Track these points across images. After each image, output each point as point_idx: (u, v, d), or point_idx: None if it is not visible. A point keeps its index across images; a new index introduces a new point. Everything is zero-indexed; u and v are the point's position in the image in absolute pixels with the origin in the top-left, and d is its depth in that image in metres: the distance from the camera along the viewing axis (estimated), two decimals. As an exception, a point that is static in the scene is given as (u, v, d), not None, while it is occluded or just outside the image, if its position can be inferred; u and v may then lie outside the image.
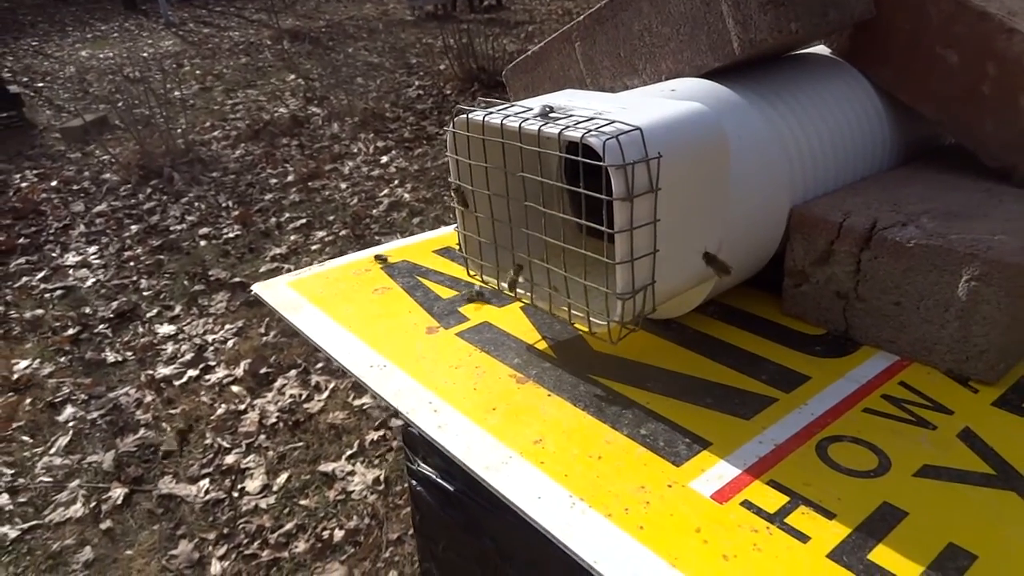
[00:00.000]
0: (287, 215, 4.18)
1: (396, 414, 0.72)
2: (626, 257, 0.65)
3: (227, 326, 3.08)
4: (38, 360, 2.93)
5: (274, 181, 4.71)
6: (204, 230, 4.05)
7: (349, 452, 2.27)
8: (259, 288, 1.00)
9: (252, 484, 2.17)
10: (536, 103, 0.74)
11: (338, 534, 1.95)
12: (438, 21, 9.06)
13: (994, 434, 0.66)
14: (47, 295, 3.46)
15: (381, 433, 2.35)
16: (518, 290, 0.79)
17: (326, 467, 2.21)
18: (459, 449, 0.66)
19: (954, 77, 0.84)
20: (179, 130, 5.41)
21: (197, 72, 7.65)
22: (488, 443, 0.67)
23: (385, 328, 0.88)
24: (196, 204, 4.41)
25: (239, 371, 2.73)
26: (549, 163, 0.77)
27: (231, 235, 3.98)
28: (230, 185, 4.69)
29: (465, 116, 0.76)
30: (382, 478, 2.16)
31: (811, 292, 0.83)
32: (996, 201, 0.80)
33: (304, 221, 4.08)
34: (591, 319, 0.71)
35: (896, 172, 0.92)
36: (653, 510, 0.59)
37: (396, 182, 4.50)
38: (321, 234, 3.91)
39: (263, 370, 2.71)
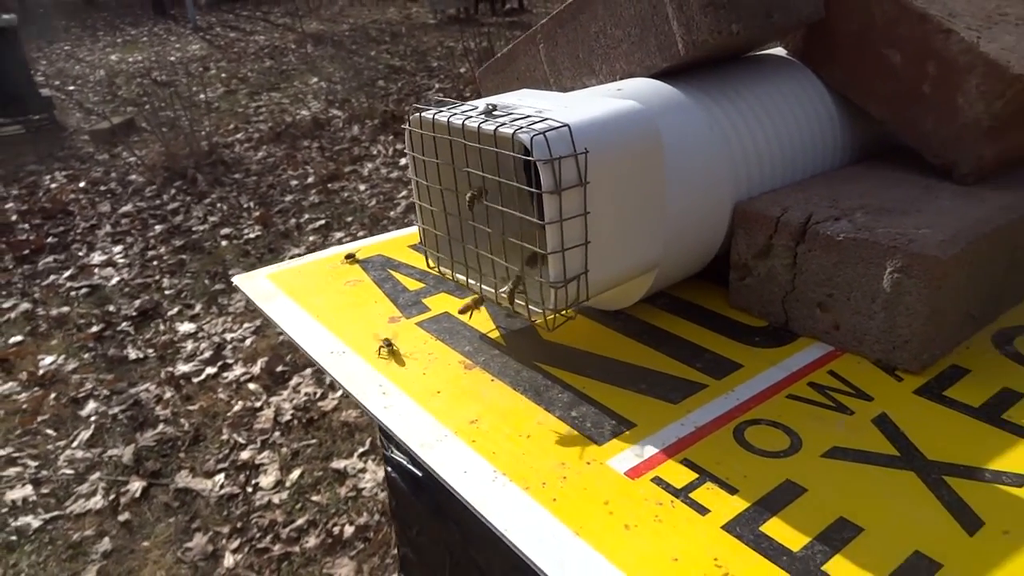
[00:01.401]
0: (306, 216, 4.27)
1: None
2: (557, 248, 0.69)
3: (245, 325, 3.16)
4: (63, 356, 3.03)
5: (294, 183, 4.80)
6: (225, 230, 4.15)
7: (361, 450, 2.33)
8: (239, 279, 1.05)
9: (266, 480, 2.24)
10: (483, 102, 0.78)
11: (348, 530, 2.01)
12: (459, 24, 9.15)
13: (908, 420, 0.68)
14: (73, 293, 3.57)
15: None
16: (470, 280, 0.83)
17: (338, 464, 2.27)
18: (399, 428, 0.71)
19: (898, 76, 0.87)
20: (203, 132, 5.54)
21: (222, 75, 7.82)
22: (427, 423, 0.72)
23: (350, 317, 0.93)
24: (218, 205, 4.52)
25: (256, 369, 2.80)
26: (506, 160, 0.81)
27: (251, 235, 4.07)
28: (251, 186, 4.79)
29: (419, 114, 0.80)
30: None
31: (754, 285, 0.86)
32: (932, 197, 0.83)
33: (323, 222, 4.16)
34: (530, 307, 0.75)
35: (845, 170, 0.94)
36: (568, 484, 0.62)
37: (410, 181, 4.58)
38: (339, 235, 3.99)
39: (279, 368, 2.78)
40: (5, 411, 2.67)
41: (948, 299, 0.73)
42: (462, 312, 0.86)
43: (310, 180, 4.78)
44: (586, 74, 0.95)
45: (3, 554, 2.02)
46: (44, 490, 2.25)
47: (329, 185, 4.69)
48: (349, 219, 4.18)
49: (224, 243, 4.00)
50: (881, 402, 0.71)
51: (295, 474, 2.23)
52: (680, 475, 0.63)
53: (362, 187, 4.62)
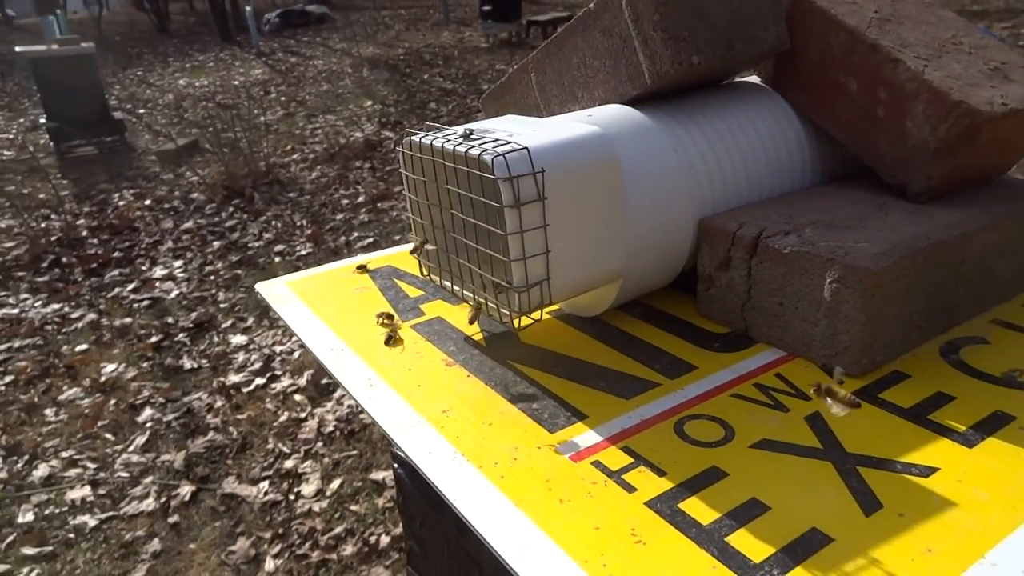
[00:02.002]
0: (356, 234, 4.42)
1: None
2: (518, 256, 0.77)
3: (294, 338, 3.28)
4: (123, 364, 3.19)
5: (346, 202, 4.97)
6: (279, 247, 4.33)
7: None
8: (260, 286, 1.17)
9: (307, 488, 2.32)
10: (464, 127, 0.87)
11: (384, 540, 2.08)
12: (510, 48, 9.34)
13: (839, 418, 0.74)
14: (135, 305, 3.77)
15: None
16: (454, 287, 0.92)
17: (377, 475, 2.35)
18: (379, 414, 0.80)
19: (854, 102, 0.93)
20: (262, 153, 5.79)
21: (282, 98, 8.15)
22: (405, 411, 0.81)
23: (353, 320, 1.03)
24: (273, 223, 4.71)
25: (302, 381, 2.91)
26: (485, 178, 0.90)
27: (303, 252, 4.24)
28: (305, 205, 4.98)
29: (410, 138, 0.90)
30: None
31: (717, 295, 0.93)
32: (883, 214, 0.88)
33: (371, 240, 4.30)
34: (500, 311, 0.84)
35: (812, 189, 1.00)
36: (518, 465, 0.70)
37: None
38: (386, 253, 4.11)
39: (324, 381, 2.88)
40: (69, 415, 2.84)
41: (884, 308, 0.79)
42: (470, 323, 0.94)
43: (360, 199, 4.95)
44: (570, 100, 1.04)
45: (62, 550, 2.15)
46: (101, 491, 2.39)
47: (379, 204, 4.84)
48: (397, 237, 4.31)
49: (277, 259, 4.17)
50: (817, 402, 0.77)
51: (335, 483, 2.32)
52: (617, 459, 0.70)
53: (409, 206, 4.76)
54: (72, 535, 2.20)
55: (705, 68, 0.90)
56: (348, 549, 2.06)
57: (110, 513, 2.28)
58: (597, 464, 0.70)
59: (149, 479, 2.42)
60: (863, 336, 0.78)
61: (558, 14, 10.64)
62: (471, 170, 0.79)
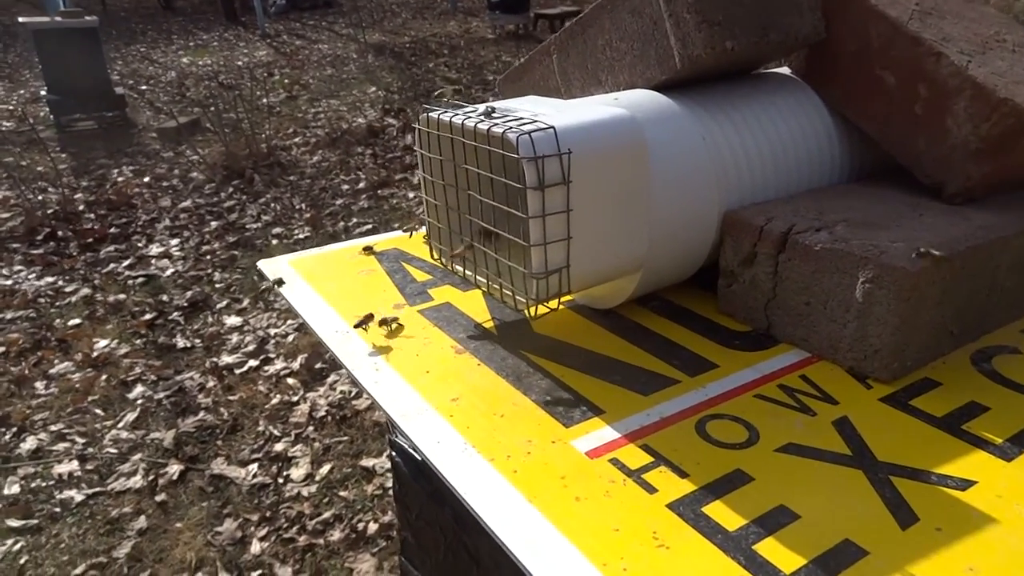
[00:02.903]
0: (355, 220, 4.37)
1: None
2: (539, 241, 0.74)
3: (289, 321, 3.24)
4: (116, 341, 3.15)
5: (346, 187, 4.92)
6: (277, 230, 4.28)
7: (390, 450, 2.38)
8: (263, 263, 1.12)
9: (297, 472, 2.28)
10: (485, 105, 0.83)
11: (372, 527, 2.04)
12: (517, 40, 9.27)
13: (868, 424, 0.71)
14: (130, 282, 3.72)
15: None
16: (466, 272, 0.89)
17: (367, 462, 2.31)
18: (385, 400, 0.76)
19: (891, 97, 0.89)
20: (263, 135, 5.72)
21: (285, 81, 8.07)
22: (412, 397, 0.77)
23: (359, 302, 0.99)
24: (272, 205, 4.66)
25: (296, 364, 2.86)
26: (507, 159, 0.86)
27: (301, 236, 4.19)
28: (305, 189, 4.93)
29: (426, 114, 0.86)
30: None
31: (739, 291, 0.89)
32: (916, 214, 0.85)
33: (370, 227, 4.26)
34: (516, 297, 0.80)
35: (840, 186, 0.97)
36: (532, 459, 0.67)
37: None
38: (385, 240, 4.08)
39: (318, 365, 2.83)
40: (59, 389, 2.80)
41: (919, 312, 0.75)
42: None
43: (361, 185, 4.90)
44: (593, 84, 1.00)
45: (47, 523, 2.12)
46: (89, 466, 2.35)
47: (379, 191, 4.80)
48: (396, 225, 4.26)
49: (275, 242, 4.13)
50: (845, 406, 0.74)
51: (325, 469, 2.29)
52: (637, 458, 0.67)
53: (411, 195, 4.71)
54: (58, 509, 2.17)
55: (738, 55, 0.87)
56: (336, 535, 2.03)
57: (97, 489, 2.25)
58: (615, 462, 0.66)
59: (138, 456, 2.38)
60: (895, 340, 0.75)
61: (567, 8, 10.56)
62: (493, 149, 0.75)
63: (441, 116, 0.83)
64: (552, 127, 0.72)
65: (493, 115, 0.79)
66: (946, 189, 0.87)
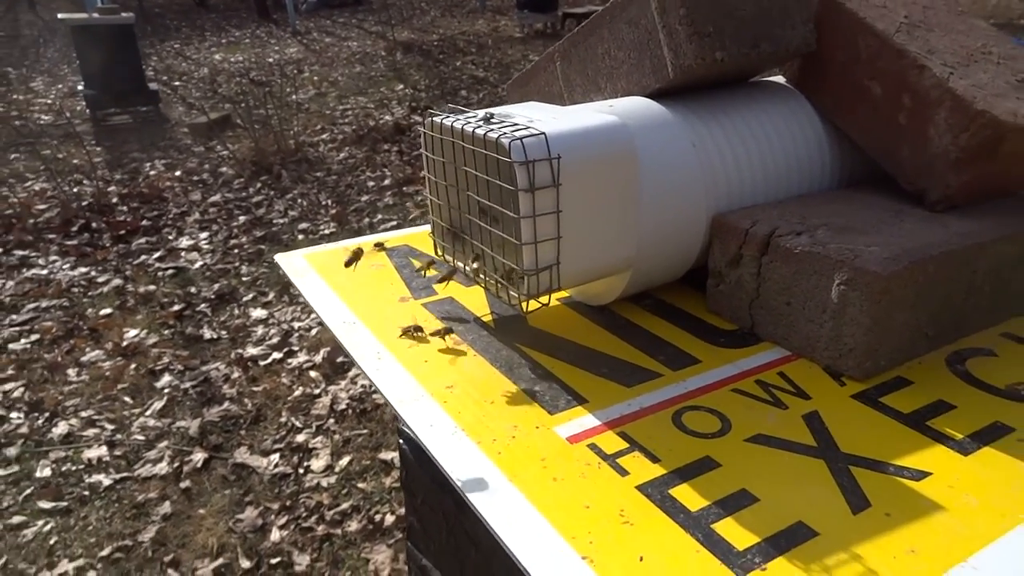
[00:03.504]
0: (380, 216, 4.44)
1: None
2: (530, 240, 0.79)
3: (312, 315, 3.30)
4: (145, 331, 3.24)
5: (371, 184, 5.00)
6: (303, 225, 4.36)
7: None
8: (280, 257, 1.19)
9: (317, 463, 2.35)
10: (485, 111, 0.88)
11: (389, 519, 2.10)
12: (545, 39, 9.31)
13: (837, 418, 0.75)
14: (160, 273, 3.82)
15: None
16: (466, 268, 0.94)
17: (386, 455, 2.37)
18: (384, 385, 0.82)
19: (877, 107, 0.93)
20: (292, 131, 5.83)
21: (315, 78, 8.20)
22: (410, 384, 0.82)
23: (366, 295, 1.05)
24: (299, 200, 4.75)
25: (318, 358, 2.94)
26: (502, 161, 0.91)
27: (327, 232, 4.27)
28: (331, 185, 5.02)
29: (431, 118, 0.92)
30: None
31: (726, 291, 0.93)
32: (898, 220, 0.88)
33: (394, 223, 4.32)
34: (509, 292, 0.85)
35: (827, 193, 1.00)
36: (516, 443, 0.72)
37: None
38: (408, 236, 4.13)
39: (340, 359, 2.90)
40: (90, 376, 2.90)
41: (891, 313, 0.79)
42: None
43: (387, 182, 4.97)
44: (594, 91, 1.05)
45: (76, 506, 2.20)
46: (117, 452, 2.44)
47: (404, 188, 4.86)
48: (420, 221, 4.33)
49: (300, 237, 4.21)
50: (817, 402, 0.78)
51: (344, 461, 2.35)
52: (613, 444, 0.71)
53: (434, 191, 4.77)
54: (87, 492, 2.26)
55: (729, 65, 0.91)
56: (353, 525, 2.09)
57: (124, 474, 2.33)
58: (593, 447, 0.71)
59: (164, 443, 2.47)
60: (868, 340, 0.79)
61: (594, 7, 10.57)
62: (489, 153, 0.81)
63: (444, 120, 0.88)
64: (544, 133, 0.77)
65: (491, 121, 0.85)
66: (928, 196, 0.91)
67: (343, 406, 2.65)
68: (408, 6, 13.62)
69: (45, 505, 2.21)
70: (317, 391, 2.76)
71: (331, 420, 2.58)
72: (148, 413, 2.65)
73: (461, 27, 11.30)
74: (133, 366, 2.95)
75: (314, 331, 3.20)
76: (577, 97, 1.08)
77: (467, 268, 0.94)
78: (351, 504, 2.17)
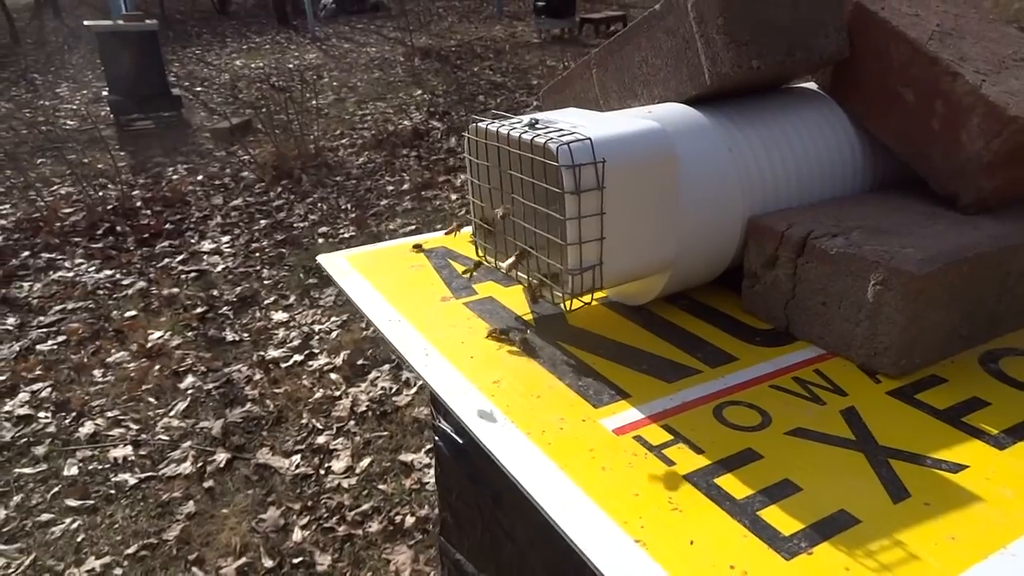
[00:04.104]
0: (399, 220, 4.48)
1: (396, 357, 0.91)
2: (575, 240, 0.82)
3: (333, 318, 3.34)
4: (169, 332, 3.27)
5: (391, 188, 5.04)
6: (323, 229, 4.41)
7: (429, 446, 2.43)
8: (322, 258, 1.23)
9: (338, 464, 2.38)
10: (528, 116, 0.92)
11: (409, 520, 2.12)
12: (562, 45, 9.34)
13: (873, 413, 0.77)
14: (183, 276, 3.87)
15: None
16: (510, 267, 0.97)
17: (406, 457, 2.39)
18: (434, 380, 0.85)
19: (910, 113, 0.96)
20: (312, 136, 5.89)
21: (334, 84, 8.27)
22: (457, 379, 0.86)
23: (409, 294, 1.08)
24: (319, 205, 4.80)
25: (339, 360, 2.97)
26: (548, 165, 0.94)
27: (346, 235, 4.31)
28: (351, 189, 5.07)
29: (475, 124, 0.95)
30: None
31: (762, 292, 0.96)
32: (931, 223, 0.91)
33: (414, 227, 4.35)
34: (553, 292, 0.88)
35: (859, 196, 1.03)
36: (564, 434, 0.75)
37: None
38: (428, 240, 4.16)
39: (360, 362, 2.94)
40: (116, 377, 2.94)
41: (926, 313, 0.81)
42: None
43: (405, 187, 5.01)
44: (630, 97, 1.08)
45: (102, 504, 2.24)
46: (142, 452, 2.48)
47: (423, 193, 4.90)
48: (439, 226, 4.36)
49: (320, 241, 4.25)
50: (854, 398, 0.80)
51: (365, 462, 2.38)
52: (658, 436, 0.74)
53: (454, 196, 4.81)
54: (112, 491, 2.30)
55: (765, 72, 0.94)
56: (374, 526, 2.11)
57: (149, 473, 2.37)
58: (638, 439, 0.74)
59: (187, 444, 2.51)
60: (903, 338, 0.81)
61: (612, 12, 10.62)
62: (536, 157, 0.84)
63: (489, 126, 0.92)
64: (589, 138, 0.80)
65: (536, 126, 0.88)
66: (960, 200, 0.93)
67: (363, 408, 2.68)
68: (426, 12, 13.71)
69: (72, 503, 2.25)
70: (337, 393, 2.79)
71: (351, 422, 2.60)
72: (172, 414, 2.69)
73: (478, 33, 11.36)
74: (157, 367, 2.99)
75: (334, 334, 3.24)
76: (613, 104, 1.11)
77: (508, 268, 0.97)
78: (372, 505, 2.19)
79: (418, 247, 1.25)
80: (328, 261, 1.21)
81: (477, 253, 1.04)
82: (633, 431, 0.75)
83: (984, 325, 0.89)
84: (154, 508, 2.23)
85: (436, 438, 1.32)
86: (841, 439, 0.73)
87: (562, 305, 0.88)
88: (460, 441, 1.19)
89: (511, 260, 0.90)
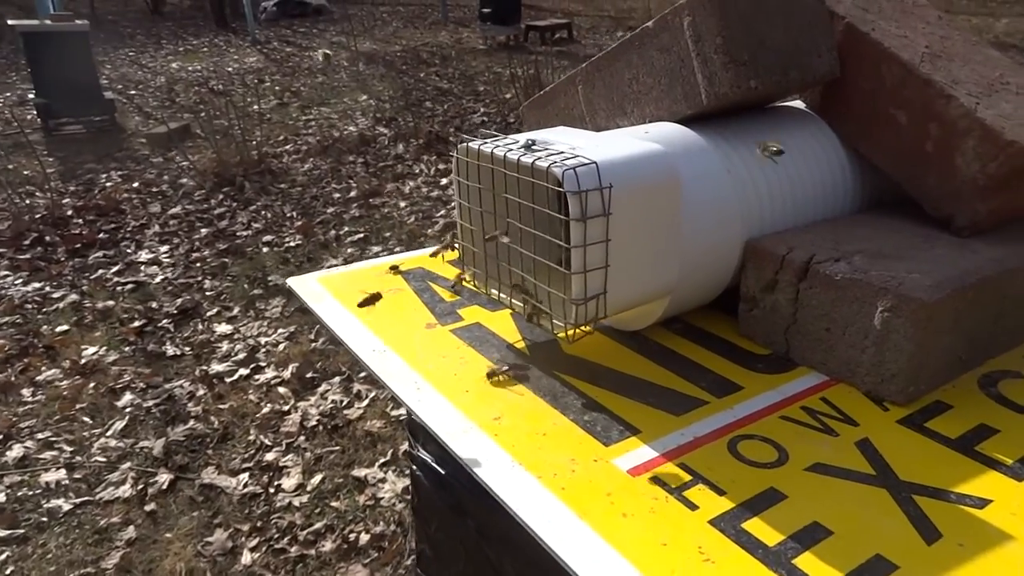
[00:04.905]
0: (346, 229, 4.38)
1: (384, 389, 0.86)
2: (580, 269, 0.78)
3: (280, 330, 3.24)
4: (105, 348, 3.11)
5: (337, 195, 4.93)
6: (268, 238, 4.28)
7: (382, 460, 2.37)
8: (292, 281, 1.16)
9: (288, 482, 2.28)
10: (523, 137, 0.88)
11: (364, 538, 2.05)
12: (508, 51, 9.33)
13: (888, 444, 0.76)
14: (119, 288, 3.69)
15: (416, 444, 2.45)
16: (501, 294, 0.93)
17: (359, 472, 2.31)
18: (431, 419, 0.80)
19: (903, 135, 0.95)
20: (254, 142, 5.71)
21: (276, 88, 8.07)
22: (455, 416, 0.81)
23: (391, 321, 1.02)
24: (263, 212, 4.66)
25: (287, 373, 2.86)
26: (540, 189, 0.91)
27: (292, 244, 4.19)
28: (296, 197, 4.94)
29: (466, 144, 0.90)
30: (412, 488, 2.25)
31: (760, 316, 0.94)
32: (928, 246, 0.90)
33: (362, 236, 4.27)
34: (553, 321, 0.84)
35: (854, 217, 1.02)
36: (577, 477, 0.71)
37: (453, 204, 4.66)
38: (376, 249, 4.09)
39: (309, 374, 2.84)
40: (47, 396, 2.77)
41: (933, 339, 0.80)
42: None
43: (352, 194, 4.91)
44: (618, 115, 1.05)
45: (34, 533, 2.10)
46: (77, 475, 2.33)
47: (371, 200, 4.81)
48: (387, 234, 4.29)
49: (265, 250, 4.13)
50: (866, 428, 0.78)
51: (317, 479, 2.29)
52: (676, 476, 0.71)
53: (402, 204, 4.73)
54: (45, 518, 2.15)
55: (760, 92, 0.92)
56: (327, 545, 2.04)
57: (85, 498, 2.23)
58: (656, 480, 0.70)
59: (127, 465, 2.37)
60: (911, 365, 0.80)
61: (557, 20, 10.68)
62: (536, 181, 0.80)
63: (482, 147, 0.87)
64: (595, 162, 0.76)
65: (533, 148, 0.84)
66: (955, 222, 0.93)
67: (313, 422, 2.60)
68: (370, 17, 13.54)
69: (0, 533, 2.10)
70: (286, 407, 2.70)
71: (301, 437, 2.51)
72: (109, 433, 2.55)
73: (424, 38, 11.26)
74: (92, 385, 2.84)
75: (281, 346, 3.14)
76: (600, 121, 1.08)
77: (501, 295, 0.93)
78: (325, 523, 2.12)
79: (395, 268, 1.19)
80: (299, 284, 1.15)
81: (465, 279, 0.99)
82: (649, 471, 0.72)
83: (982, 349, 0.89)
84: (91, 535, 2.10)
85: (414, 467, 1.26)
86: (862, 474, 0.71)
87: (567, 335, 0.84)
88: (442, 471, 1.14)
89: (513, 292, 0.86)
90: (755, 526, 0.64)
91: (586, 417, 0.80)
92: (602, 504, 0.67)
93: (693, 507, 0.67)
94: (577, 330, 0.83)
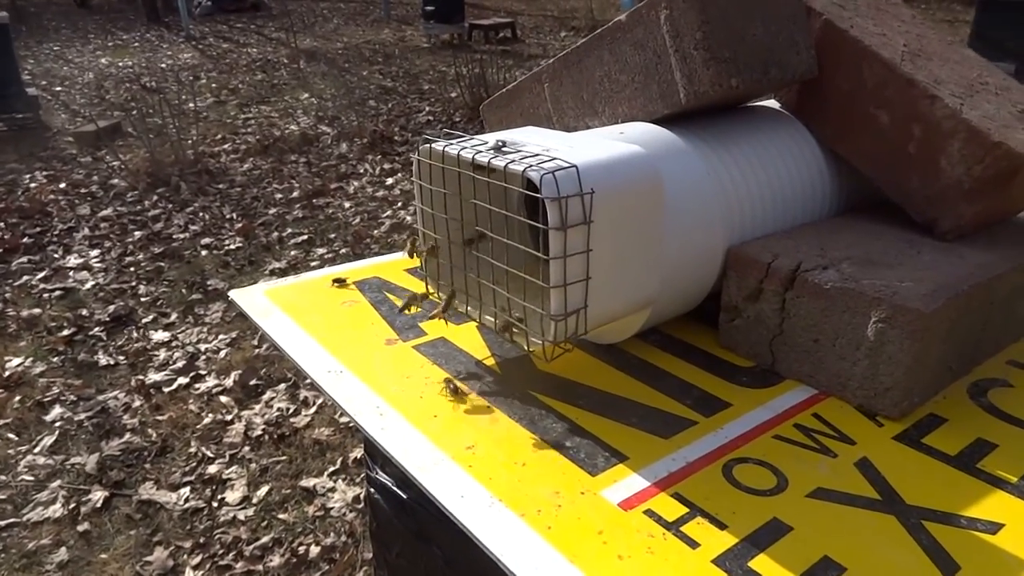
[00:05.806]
0: (289, 230, 4.25)
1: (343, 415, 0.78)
2: (559, 282, 0.71)
3: (221, 336, 3.12)
4: (31, 359, 2.96)
5: (279, 196, 4.78)
6: (206, 240, 4.12)
7: (332, 469, 2.30)
8: (235, 294, 1.06)
9: (232, 495, 2.19)
10: (492, 137, 0.81)
11: (314, 550, 1.98)
12: (453, 50, 9.24)
13: (888, 464, 0.71)
14: (46, 295, 3.51)
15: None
16: (468, 308, 0.85)
17: (307, 482, 2.24)
18: (397, 450, 0.72)
19: (885, 136, 0.91)
20: (190, 141, 5.51)
21: (213, 86, 7.80)
22: (424, 446, 0.73)
23: (347, 337, 0.94)
24: (200, 214, 4.49)
25: (229, 381, 2.76)
26: (511, 193, 0.84)
27: (232, 247, 4.05)
28: (235, 197, 4.77)
29: (429, 145, 0.83)
30: (362, 497, 2.17)
31: (743, 327, 0.89)
32: (914, 251, 0.87)
33: (305, 237, 4.15)
34: (529, 338, 0.77)
35: (833, 220, 0.98)
36: (563, 513, 0.64)
37: (399, 204, 4.57)
38: (321, 251, 3.97)
39: (253, 382, 2.74)
40: (-33, 412, 2.62)
41: (929, 350, 0.76)
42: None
43: (295, 195, 4.77)
44: (588, 115, 0.99)
45: (-46, 560, 1.98)
46: (2, 496, 2.19)
47: (314, 201, 4.68)
48: (332, 235, 4.17)
49: (204, 253, 3.97)
50: (863, 446, 0.74)
51: (263, 491, 2.21)
52: (671, 509, 0.65)
53: (347, 204, 4.62)
54: (-34, 543, 2.01)
55: (739, 91, 0.87)
56: (275, 560, 1.96)
57: (11, 520, 2.10)
58: (650, 513, 0.64)
59: (57, 483, 2.25)
60: (907, 378, 0.76)
61: (500, 19, 10.62)
62: (509, 186, 0.73)
63: (447, 149, 0.80)
64: (574, 165, 0.70)
65: (504, 149, 0.77)
66: (938, 226, 0.90)
67: (258, 432, 2.50)
68: (310, 13, 13.24)
69: (-85, 561, 1.97)
70: (229, 417, 2.60)
71: (246, 448, 2.42)
72: (37, 450, 2.41)
73: (366, 36, 11.06)
74: (18, 398, 2.68)
75: (223, 353, 3.02)
76: (569, 121, 1.02)
77: (468, 309, 0.86)
78: (272, 537, 2.04)
79: (341, 281, 1.10)
80: (243, 297, 1.05)
81: (428, 290, 0.91)
82: (642, 504, 0.65)
83: (969, 357, 0.86)
84: (18, 559, 1.97)
85: (371, 490, 1.18)
86: (866, 499, 0.67)
87: (543, 352, 0.77)
88: (404, 496, 1.06)
89: (481, 307, 0.79)
90: (763, 564, 0.59)
91: (568, 443, 0.74)
92: (594, 545, 0.61)
93: (694, 544, 0.61)
94: (555, 348, 0.77)
